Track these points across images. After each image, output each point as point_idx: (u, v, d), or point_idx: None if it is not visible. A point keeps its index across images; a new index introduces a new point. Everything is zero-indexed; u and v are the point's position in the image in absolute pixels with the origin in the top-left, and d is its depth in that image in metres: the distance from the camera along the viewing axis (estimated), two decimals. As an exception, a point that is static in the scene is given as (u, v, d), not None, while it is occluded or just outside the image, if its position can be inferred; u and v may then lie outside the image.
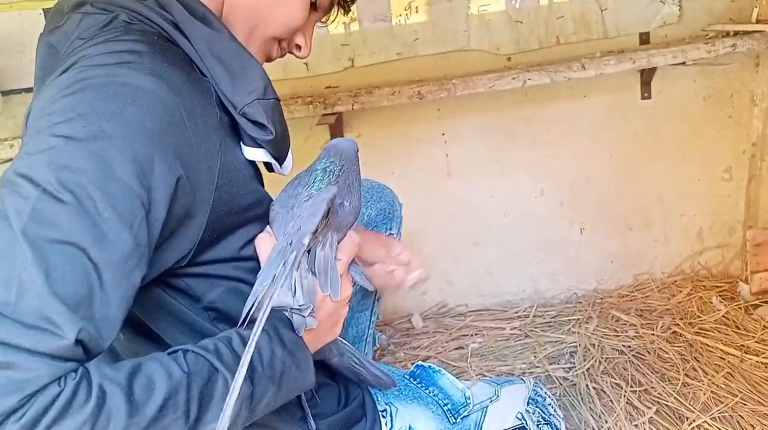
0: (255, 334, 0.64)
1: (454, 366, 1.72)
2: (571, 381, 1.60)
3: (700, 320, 1.78)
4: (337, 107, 1.69)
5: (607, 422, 1.44)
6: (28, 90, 1.75)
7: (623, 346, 1.70)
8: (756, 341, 1.66)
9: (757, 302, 1.84)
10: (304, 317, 0.72)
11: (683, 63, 1.74)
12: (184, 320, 0.75)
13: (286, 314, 0.73)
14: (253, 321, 0.66)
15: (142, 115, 0.62)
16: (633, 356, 1.66)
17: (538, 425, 0.97)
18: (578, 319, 1.86)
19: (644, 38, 1.84)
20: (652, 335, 1.73)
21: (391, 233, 1.28)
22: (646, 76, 1.85)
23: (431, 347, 1.83)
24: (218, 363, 0.63)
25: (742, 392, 1.48)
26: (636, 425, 1.42)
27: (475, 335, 1.86)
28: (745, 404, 1.45)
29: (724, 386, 1.51)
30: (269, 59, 0.88)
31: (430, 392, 0.98)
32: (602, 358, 1.66)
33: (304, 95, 1.75)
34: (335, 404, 0.89)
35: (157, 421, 0.56)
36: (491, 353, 1.77)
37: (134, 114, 0.61)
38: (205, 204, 0.69)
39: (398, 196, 1.38)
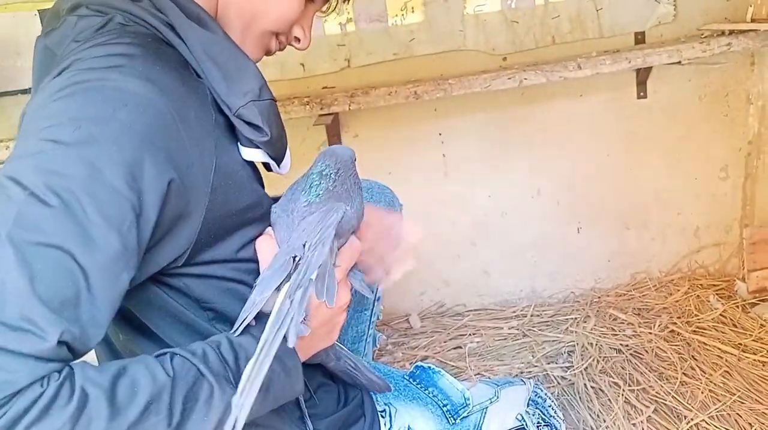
0: (265, 354, 0.61)
1: (453, 366, 1.72)
2: (569, 380, 1.60)
3: (698, 319, 1.78)
4: (333, 108, 1.69)
5: (605, 421, 1.44)
6: (23, 92, 1.75)
7: (621, 345, 1.70)
8: (753, 340, 1.67)
9: (754, 300, 1.85)
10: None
11: (679, 62, 1.75)
12: (183, 320, 0.74)
13: None
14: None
15: (132, 119, 0.61)
16: (631, 355, 1.66)
17: (537, 427, 0.97)
18: (576, 318, 1.86)
19: (640, 38, 1.84)
20: (650, 333, 1.73)
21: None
22: (642, 75, 1.85)
23: (429, 346, 1.83)
24: (204, 368, 0.62)
25: (739, 391, 1.48)
26: (634, 424, 1.42)
27: (473, 334, 1.86)
28: (742, 403, 1.45)
29: (721, 385, 1.51)
30: (269, 53, 0.87)
31: (429, 393, 0.98)
32: (600, 357, 1.67)
33: (301, 96, 1.74)
34: (334, 404, 0.89)
35: (138, 424, 0.56)
36: (489, 352, 1.77)
37: (124, 118, 0.61)
38: (200, 205, 0.68)
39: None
